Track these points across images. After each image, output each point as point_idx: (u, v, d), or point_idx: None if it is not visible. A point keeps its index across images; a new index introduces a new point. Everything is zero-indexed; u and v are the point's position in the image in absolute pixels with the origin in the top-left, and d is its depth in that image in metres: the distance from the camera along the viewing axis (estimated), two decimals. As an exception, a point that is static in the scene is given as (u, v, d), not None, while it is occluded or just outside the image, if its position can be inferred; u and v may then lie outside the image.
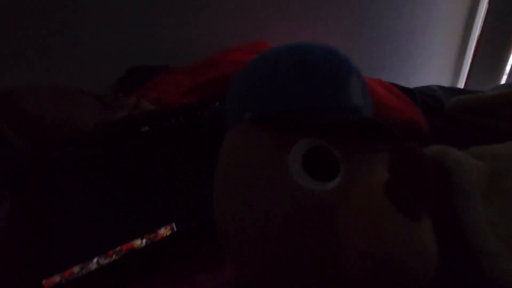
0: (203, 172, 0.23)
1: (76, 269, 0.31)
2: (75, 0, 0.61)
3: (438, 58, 1.03)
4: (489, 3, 0.92)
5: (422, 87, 0.74)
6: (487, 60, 0.97)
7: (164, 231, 0.35)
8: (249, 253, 0.18)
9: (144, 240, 0.34)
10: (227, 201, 0.20)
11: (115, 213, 0.36)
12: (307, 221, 0.16)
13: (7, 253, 0.32)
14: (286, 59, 0.21)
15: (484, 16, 0.94)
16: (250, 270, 0.19)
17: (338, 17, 0.84)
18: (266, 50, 0.23)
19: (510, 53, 0.93)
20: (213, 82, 0.57)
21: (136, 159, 0.41)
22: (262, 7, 0.76)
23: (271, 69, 0.21)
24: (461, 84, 1.08)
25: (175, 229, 0.35)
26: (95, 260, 0.32)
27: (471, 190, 0.31)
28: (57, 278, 0.31)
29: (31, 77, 0.52)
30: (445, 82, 1.07)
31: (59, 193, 0.37)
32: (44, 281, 0.31)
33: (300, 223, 0.16)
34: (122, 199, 0.37)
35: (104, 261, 0.32)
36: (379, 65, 0.95)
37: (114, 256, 0.33)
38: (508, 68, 0.96)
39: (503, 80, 0.99)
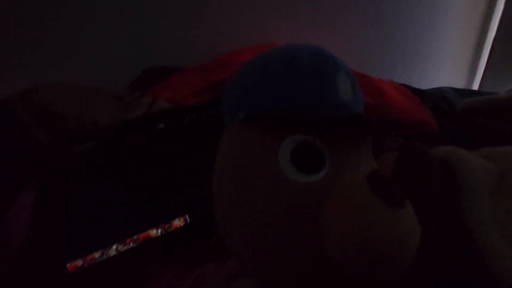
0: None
1: (97, 254, 0.34)
2: (88, 3, 0.64)
3: (451, 59, 1.01)
4: (506, 3, 0.90)
5: (434, 89, 0.74)
6: (503, 61, 0.95)
7: (178, 222, 0.37)
8: (246, 247, 0.19)
9: (159, 230, 0.36)
10: (223, 199, 0.21)
11: (133, 204, 0.38)
12: (296, 213, 0.17)
13: (34, 238, 0.35)
14: (274, 60, 0.22)
15: (500, 17, 0.92)
16: (247, 263, 0.20)
17: (348, 18, 0.83)
18: (258, 53, 0.24)
19: (527, 55, 0.91)
20: (224, 82, 0.58)
21: (153, 155, 0.43)
22: (272, 8, 0.77)
23: (260, 70, 0.22)
24: (475, 86, 1.06)
25: (188, 220, 0.37)
26: (114, 247, 0.34)
27: (478, 189, 0.32)
28: (80, 262, 0.33)
29: (44, 77, 0.54)
30: (459, 83, 1.05)
31: (81, 186, 0.40)
32: (68, 265, 0.33)
33: (289, 215, 0.17)
34: (139, 192, 0.39)
35: (122, 248, 0.34)
36: (390, 66, 0.95)
37: (131, 244, 0.35)
38: (525, 70, 0.93)
39: (520, 82, 0.97)
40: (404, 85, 0.66)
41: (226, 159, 0.21)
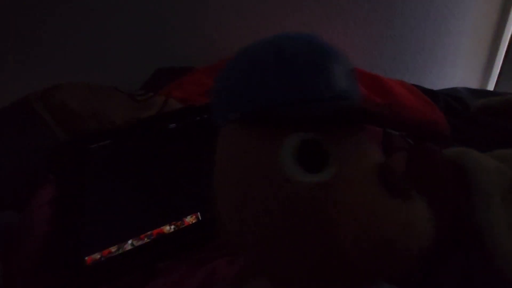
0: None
1: (113, 248, 0.35)
2: (98, 5, 0.65)
3: (466, 59, 0.99)
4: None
5: (447, 89, 0.73)
6: (519, 61, 0.93)
7: (190, 219, 0.38)
8: (251, 249, 0.19)
9: (172, 227, 0.37)
10: (225, 202, 0.20)
11: (147, 201, 0.40)
12: (305, 213, 0.17)
13: (54, 231, 0.37)
14: (260, 53, 0.20)
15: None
16: (254, 263, 0.21)
17: (360, 17, 0.83)
18: (242, 48, 0.22)
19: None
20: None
21: (165, 154, 0.44)
22: (282, 7, 0.77)
23: (247, 65, 0.20)
24: (491, 87, 1.04)
25: (200, 218, 0.38)
26: (129, 241, 0.36)
27: (490, 191, 0.31)
28: (97, 256, 0.35)
29: (55, 77, 0.56)
30: (473, 84, 1.03)
31: (98, 183, 0.41)
32: (86, 258, 0.35)
33: (298, 216, 0.17)
34: (153, 189, 0.41)
35: (137, 243, 0.36)
36: (402, 66, 0.93)
37: (145, 239, 0.36)
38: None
39: (538, 82, 0.94)
40: (415, 85, 0.65)
41: (225, 162, 0.21)
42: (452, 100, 0.61)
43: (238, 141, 0.20)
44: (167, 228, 0.37)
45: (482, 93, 0.70)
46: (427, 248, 0.16)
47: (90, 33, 0.67)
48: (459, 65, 0.98)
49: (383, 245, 0.15)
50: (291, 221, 0.17)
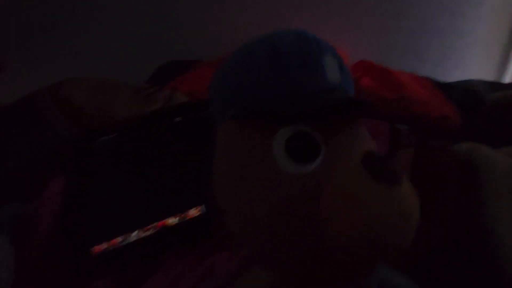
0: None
1: (119, 239, 0.36)
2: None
3: (482, 50, 0.94)
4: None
5: (462, 82, 0.70)
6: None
7: (193, 212, 0.39)
8: (248, 241, 0.20)
9: (176, 219, 0.38)
10: (222, 196, 0.21)
11: (152, 194, 0.40)
12: (296, 203, 0.17)
13: (62, 222, 0.38)
14: (255, 51, 0.21)
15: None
16: (253, 254, 0.21)
17: (372, 8, 0.80)
18: (240, 46, 0.23)
19: None
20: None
21: (171, 147, 0.45)
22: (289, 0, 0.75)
23: (243, 63, 0.21)
24: (508, 79, 0.99)
25: (204, 210, 0.39)
26: (135, 233, 0.37)
27: (499, 188, 0.30)
28: (104, 245, 0.36)
29: (63, 72, 0.57)
30: (490, 76, 0.99)
31: (105, 175, 0.42)
32: (93, 248, 0.36)
33: (289, 206, 0.18)
34: (158, 182, 0.41)
35: (142, 234, 0.37)
36: (416, 58, 0.90)
37: (150, 231, 0.37)
38: None
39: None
40: (428, 78, 0.63)
41: (222, 157, 0.22)
42: (466, 94, 0.59)
43: (233, 137, 0.21)
44: (171, 221, 0.38)
45: (498, 86, 0.68)
46: (413, 232, 0.16)
47: (96, 29, 0.68)
48: (475, 56, 0.94)
49: (375, 233, 0.15)
50: (285, 212, 0.18)
